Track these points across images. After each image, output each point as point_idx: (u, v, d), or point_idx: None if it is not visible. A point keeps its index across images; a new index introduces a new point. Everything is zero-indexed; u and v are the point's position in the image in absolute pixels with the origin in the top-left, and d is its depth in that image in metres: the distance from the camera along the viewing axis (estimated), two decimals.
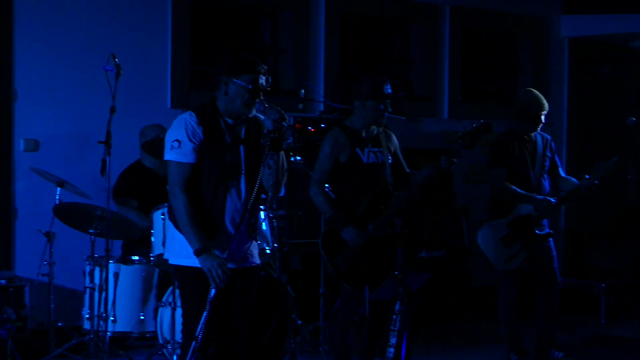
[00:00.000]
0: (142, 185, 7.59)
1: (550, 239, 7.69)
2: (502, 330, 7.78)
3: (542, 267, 7.68)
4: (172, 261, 5.43)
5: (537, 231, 7.57)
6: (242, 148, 5.33)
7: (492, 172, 7.60)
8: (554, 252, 7.72)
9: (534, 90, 7.86)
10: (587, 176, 7.48)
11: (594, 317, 9.53)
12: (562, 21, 11.32)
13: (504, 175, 7.53)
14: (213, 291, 5.08)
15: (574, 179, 7.62)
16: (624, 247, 10.72)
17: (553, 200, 7.51)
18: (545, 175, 7.73)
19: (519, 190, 7.46)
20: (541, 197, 7.48)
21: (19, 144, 8.00)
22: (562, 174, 7.78)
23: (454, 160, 6.38)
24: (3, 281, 7.15)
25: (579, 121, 11.31)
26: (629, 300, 9.83)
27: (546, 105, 7.66)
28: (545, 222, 7.66)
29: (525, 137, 7.65)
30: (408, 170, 6.70)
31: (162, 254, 6.46)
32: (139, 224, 7.15)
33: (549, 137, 7.82)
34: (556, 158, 7.82)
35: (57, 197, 7.17)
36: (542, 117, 7.63)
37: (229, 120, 5.30)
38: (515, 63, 11.40)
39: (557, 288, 7.76)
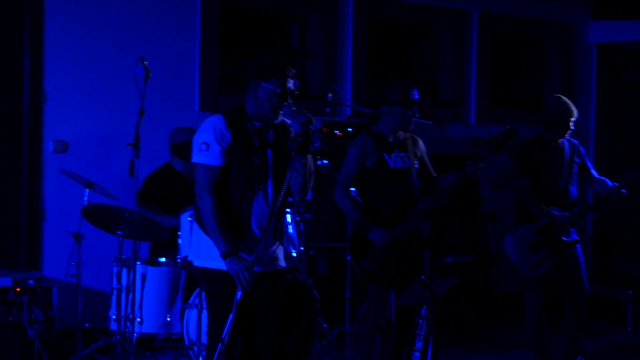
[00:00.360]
0: (170, 188, 7.62)
1: (578, 245, 7.67)
2: (527, 337, 7.76)
3: (569, 274, 7.66)
4: (198, 264, 5.46)
5: (563, 237, 7.55)
6: (269, 151, 5.33)
7: (516, 183, 7.59)
8: (581, 259, 7.69)
9: (562, 96, 7.84)
10: (615, 184, 7.48)
11: (621, 325, 9.49)
12: (591, 27, 11.30)
13: (528, 185, 7.52)
14: (239, 294, 5.09)
15: (608, 180, 7.59)
16: None
17: (572, 213, 7.52)
18: (573, 182, 7.70)
19: (540, 205, 7.46)
20: (560, 213, 7.46)
21: (49, 146, 8.04)
22: (596, 175, 7.74)
23: (480, 165, 6.37)
24: (31, 282, 7.16)
25: (607, 128, 11.27)
26: None
27: (575, 111, 7.64)
28: (572, 229, 7.63)
29: (553, 143, 7.63)
30: (434, 175, 6.70)
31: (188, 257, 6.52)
32: (162, 223, 7.19)
33: (576, 142, 7.79)
34: (587, 162, 7.79)
35: (85, 199, 7.19)
36: (571, 124, 7.61)
37: (257, 124, 5.31)
38: (543, 69, 11.39)
39: (584, 295, 7.73)
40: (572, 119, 7.61)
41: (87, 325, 7.50)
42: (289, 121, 5.31)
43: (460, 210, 9.16)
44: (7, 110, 7.93)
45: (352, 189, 6.54)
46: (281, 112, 5.27)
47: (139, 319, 6.97)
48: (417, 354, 5.64)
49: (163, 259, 7.20)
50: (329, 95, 8.53)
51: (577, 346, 7.77)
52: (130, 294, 6.92)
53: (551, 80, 11.27)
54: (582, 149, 7.82)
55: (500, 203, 9.65)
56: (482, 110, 10.59)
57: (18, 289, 7.05)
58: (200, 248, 5.38)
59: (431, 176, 6.66)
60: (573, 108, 7.62)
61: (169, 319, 7.09)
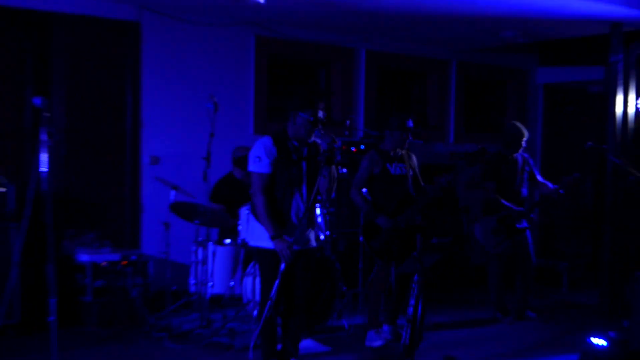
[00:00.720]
0: (233, 191, 7.61)
1: (527, 231, 7.69)
2: (491, 297, 7.77)
3: (521, 252, 7.67)
4: (253, 244, 5.51)
5: (517, 225, 7.58)
6: (304, 163, 5.39)
7: (485, 185, 7.63)
8: (530, 240, 7.70)
9: (517, 122, 7.86)
10: (555, 186, 7.51)
11: (558, 288, 9.47)
12: (538, 72, 11.18)
13: (493, 187, 7.55)
14: (283, 265, 5.16)
15: (550, 184, 7.60)
16: (581, 236, 10.64)
17: (525, 209, 7.58)
18: (524, 185, 7.73)
19: (503, 201, 7.47)
20: (518, 208, 7.51)
21: (146, 159, 8.06)
22: (541, 180, 7.75)
23: (452, 179, 6.41)
24: (134, 257, 7.18)
25: (550, 145, 11.18)
26: (584, 276, 9.77)
27: (526, 133, 7.66)
28: (523, 219, 7.67)
29: (510, 157, 7.66)
30: (422, 183, 6.74)
31: (245, 239, 6.59)
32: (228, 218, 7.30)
33: (527, 156, 7.80)
34: (534, 170, 7.79)
35: (171, 198, 7.24)
36: (523, 143, 7.64)
37: (295, 143, 5.36)
38: (504, 102, 11.28)
39: (532, 267, 7.75)
40: (524, 139, 7.64)
41: (173, 288, 7.56)
42: (319, 141, 5.37)
43: (443, 205, 9.17)
44: (115, 134, 7.88)
45: (364, 189, 6.59)
46: (313, 134, 5.37)
47: (211, 284, 6.96)
48: (411, 308, 5.64)
49: (228, 241, 7.17)
50: (347, 122, 8.52)
51: (526, 303, 7.81)
52: (204, 266, 6.96)
53: (509, 111, 11.15)
54: (531, 160, 7.84)
55: (471, 200, 9.64)
56: (459, 134, 10.54)
57: (124, 262, 7.11)
58: (254, 233, 5.46)
59: (420, 184, 6.70)
60: (524, 131, 7.65)
61: (232, 284, 7.05)
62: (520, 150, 7.67)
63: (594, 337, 5.84)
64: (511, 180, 7.60)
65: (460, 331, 7.30)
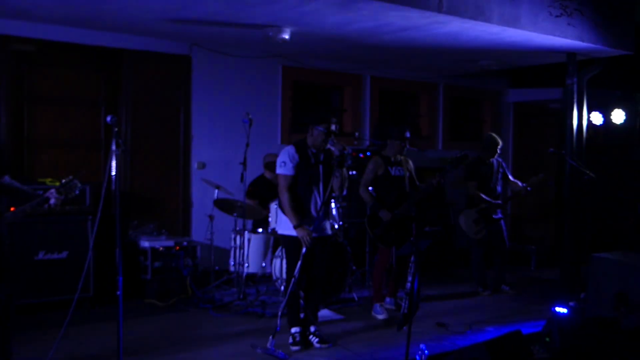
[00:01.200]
0: (264, 189, 7.61)
1: (502, 221, 7.63)
2: (473, 274, 7.71)
3: (497, 237, 7.61)
4: (280, 232, 5.49)
5: (493, 216, 7.50)
6: (321, 167, 5.38)
7: (468, 183, 7.55)
8: (504, 228, 7.66)
9: (493, 133, 7.80)
10: (524, 184, 7.42)
11: (528, 267, 9.37)
12: (509, 92, 11.16)
13: (475, 185, 7.49)
14: (304, 250, 5.16)
15: (519, 182, 7.53)
16: (545, 224, 10.58)
17: (501, 202, 7.51)
18: (499, 183, 7.66)
19: (483, 195, 7.43)
20: (495, 201, 7.46)
21: (194, 165, 8.05)
22: (512, 179, 7.68)
23: (441, 179, 6.33)
24: (185, 243, 7.16)
25: (519, 151, 11.15)
26: (548, 257, 9.66)
27: (500, 142, 7.62)
28: (498, 211, 7.59)
29: (487, 161, 7.58)
30: (418, 183, 6.66)
31: (274, 228, 6.55)
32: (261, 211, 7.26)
33: (501, 159, 7.74)
34: (507, 171, 7.74)
35: (215, 195, 7.22)
36: (498, 149, 7.58)
37: (313, 150, 5.36)
38: (481, 117, 11.24)
39: (505, 249, 7.69)
40: (499, 146, 7.59)
41: (217, 268, 7.52)
42: (332, 148, 5.33)
43: (433, 200, 9.12)
44: (170, 145, 7.89)
45: (370, 187, 6.53)
46: (328, 143, 5.30)
47: (247, 265, 6.98)
48: (409, 284, 5.60)
49: (260, 230, 7.17)
50: (356, 133, 8.54)
51: (502, 279, 7.74)
52: (241, 250, 6.94)
53: (486, 124, 11.13)
54: (504, 163, 7.79)
55: (456, 196, 9.57)
56: (446, 142, 10.48)
57: (177, 247, 7.08)
58: (281, 223, 5.44)
59: (415, 183, 6.62)
60: (499, 140, 7.61)
61: (264, 265, 7.05)
62: (496, 156, 7.61)
63: (558, 306, 5.80)
64: (488, 179, 7.54)
65: (449, 302, 7.23)
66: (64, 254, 6.32)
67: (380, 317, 6.41)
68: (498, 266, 7.71)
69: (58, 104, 7.26)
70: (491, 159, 7.59)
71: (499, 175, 7.63)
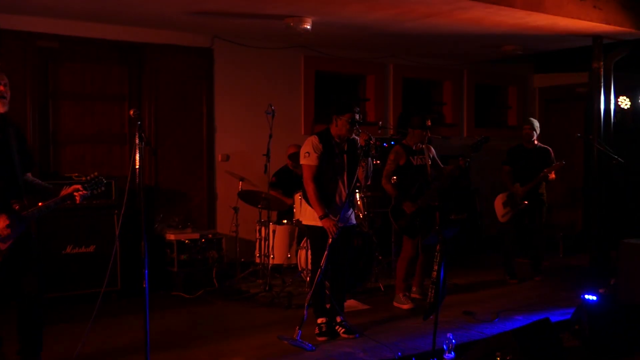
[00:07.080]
0: (287, 179, 7.62)
1: (541, 207, 7.50)
2: (503, 262, 7.64)
3: (534, 224, 7.52)
4: (305, 223, 5.46)
5: (525, 202, 7.38)
6: (345, 156, 5.33)
7: (503, 169, 7.56)
8: (542, 215, 7.53)
9: (530, 118, 7.78)
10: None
11: (556, 253, 9.27)
12: (535, 78, 11.08)
13: (510, 170, 7.48)
14: (329, 240, 5.10)
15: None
16: (574, 210, 10.48)
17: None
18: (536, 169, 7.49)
19: (514, 182, 7.40)
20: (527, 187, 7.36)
21: (218, 157, 8.08)
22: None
23: (467, 159, 6.30)
24: (210, 235, 7.14)
25: (545, 137, 11.04)
26: (576, 243, 9.54)
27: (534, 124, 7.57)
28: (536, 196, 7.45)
29: (528, 147, 7.50)
30: (442, 166, 6.61)
31: (299, 219, 6.55)
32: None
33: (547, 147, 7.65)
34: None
35: (239, 187, 7.25)
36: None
37: (337, 140, 5.31)
38: (506, 103, 11.15)
39: (541, 237, 7.60)
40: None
41: (242, 260, 7.54)
42: (356, 138, 5.31)
43: (459, 187, 9.06)
44: (194, 137, 7.90)
45: (394, 177, 6.49)
46: (351, 133, 5.28)
47: (272, 256, 7.00)
48: (435, 272, 5.59)
49: (285, 221, 7.17)
50: (380, 123, 8.47)
51: (538, 265, 7.66)
52: (266, 241, 6.96)
53: (511, 110, 11.07)
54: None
55: (482, 183, 9.49)
56: (470, 129, 10.42)
57: (203, 240, 7.09)
58: (306, 214, 5.41)
59: (440, 167, 6.57)
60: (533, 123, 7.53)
61: (289, 256, 7.07)
62: (532, 139, 7.53)
63: (587, 293, 5.74)
64: (526, 165, 7.43)
65: (476, 290, 7.15)
66: (92, 248, 6.40)
67: (404, 306, 6.38)
68: (534, 253, 7.63)
69: (82, 99, 7.33)
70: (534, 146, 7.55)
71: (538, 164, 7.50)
